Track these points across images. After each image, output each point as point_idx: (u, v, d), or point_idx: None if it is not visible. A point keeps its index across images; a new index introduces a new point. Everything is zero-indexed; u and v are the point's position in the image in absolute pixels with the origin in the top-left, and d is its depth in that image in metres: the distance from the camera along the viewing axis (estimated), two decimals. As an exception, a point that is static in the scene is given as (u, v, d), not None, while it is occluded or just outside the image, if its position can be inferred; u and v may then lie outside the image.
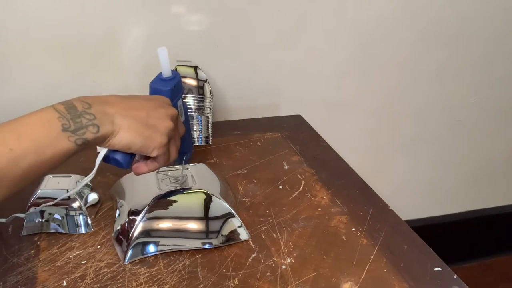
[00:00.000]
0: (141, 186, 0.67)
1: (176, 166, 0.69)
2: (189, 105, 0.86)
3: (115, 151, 0.50)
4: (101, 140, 0.47)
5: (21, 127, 0.43)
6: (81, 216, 0.64)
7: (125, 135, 0.48)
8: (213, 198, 0.64)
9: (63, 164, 0.46)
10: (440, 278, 0.58)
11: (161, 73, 0.56)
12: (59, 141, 0.44)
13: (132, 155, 0.52)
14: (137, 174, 0.55)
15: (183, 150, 0.61)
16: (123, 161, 0.51)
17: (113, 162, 0.51)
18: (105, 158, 0.51)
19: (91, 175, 0.52)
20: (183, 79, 0.86)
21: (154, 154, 0.51)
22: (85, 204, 0.65)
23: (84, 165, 0.72)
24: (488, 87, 1.25)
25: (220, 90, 1.01)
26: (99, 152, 0.51)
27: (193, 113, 0.86)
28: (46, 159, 0.43)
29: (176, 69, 0.87)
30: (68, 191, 0.62)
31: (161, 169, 0.67)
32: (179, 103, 0.59)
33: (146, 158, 0.54)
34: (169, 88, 0.55)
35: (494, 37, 1.17)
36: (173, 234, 0.61)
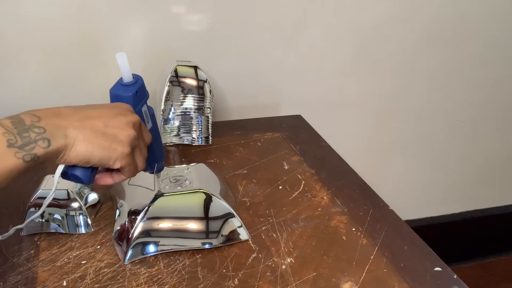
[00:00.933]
0: (141, 186, 0.67)
1: (176, 166, 0.70)
2: (189, 105, 0.86)
3: (74, 166, 0.46)
4: (54, 155, 0.43)
5: None
6: (81, 216, 0.64)
7: (82, 148, 0.44)
8: (213, 198, 0.64)
9: (12, 183, 0.42)
10: (440, 278, 0.58)
11: (121, 78, 0.53)
12: (5, 158, 0.40)
13: (93, 169, 0.48)
14: (101, 185, 0.51)
15: (154, 158, 0.58)
16: (83, 177, 0.47)
17: (73, 178, 0.47)
18: (64, 175, 0.47)
19: (52, 193, 0.49)
20: (183, 79, 0.86)
21: (117, 166, 0.48)
22: (85, 204, 0.65)
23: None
24: (488, 87, 1.25)
25: (220, 90, 1.01)
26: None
27: (193, 113, 0.86)
28: None
29: (176, 70, 0.87)
30: (68, 191, 0.63)
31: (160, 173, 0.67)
32: (144, 109, 0.55)
33: (111, 170, 0.50)
34: (130, 94, 0.52)
35: (494, 37, 1.17)
36: (173, 234, 0.61)
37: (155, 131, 0.57)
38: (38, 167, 0.43)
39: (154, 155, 0.58)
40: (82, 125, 0.45)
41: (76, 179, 0.47)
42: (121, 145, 0.47)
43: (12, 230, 0.51)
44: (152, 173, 0.60)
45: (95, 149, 0.45)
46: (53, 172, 0.47)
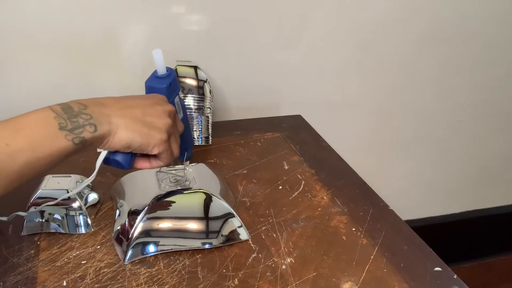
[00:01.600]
0: (141, 186, 0.67)
1: (177, 166, 0.70)
2: (189, 105, 0.86)
3: (115, 152, 0.50)
4: (99, 140, 0.47)
5: (17, 125, 0.43)
6: (81, 216, 0.64)
7: (124, 134, 0.48)
8: (213, 198, 0.64)
9: (62, 164, 0.46)
10: (440, 278, 0.58)
11: (156, 71, 0.56)
12: (57, 140, 0.44)
13: (132, 155, 0.51)
14: (138, 168, 0.54)
15: (183, 147, 0.61)
16: (123, 162, 0.50)
17: (114, 163, 0.51)
18: (106, 160, 0.51)
19: (92, 177, 0.52)
20: (183, 79, 0.86)
21: (155, 152, 0.51)
22: (85, 204, 0.65)
23: (84, 165, 0.72)
24: (488, 87, 1.25)
25: (220, 90, 1.01)
26: (99, 154, 0.51)
27: (193, 113, 0.86)
28: (43, 156, 0.43)
29: (176, 70, 0.87)
30: (68, 191, 0.62)
31: (161, 168, 0.67)
32: (176, 100, 0.58)
33: (148, 156, 0.54)
34: (165, 85, 0.55)
35: (494, 37, 1.17)
36: (173, 234, 0.61)
37: (185, 121, 0.61)
38: (84, 151, 0.47)
39: (184, 143, 0.60)
40: (123, 113, 0.49)
41: (117, 164, 0.51)
42: (159, 132, 0.51)
43: (12, 215, 0.54)
44: (182, 161, 0.64)
45: (135, 135, 0.49)
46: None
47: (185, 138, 0.60)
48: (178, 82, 0.59)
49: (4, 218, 0.57)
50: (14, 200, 0.65)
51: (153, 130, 0.50)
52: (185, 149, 0.63)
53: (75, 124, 0.45)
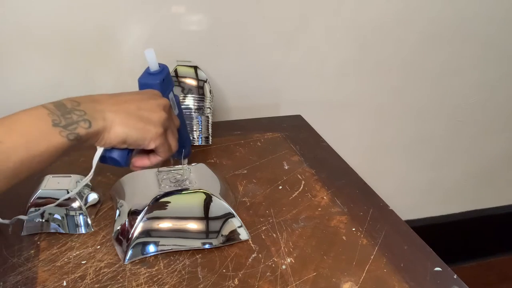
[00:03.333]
0: (141, 186, 0.67)
1: (177, 166, 0.69)
2: (189, 105, 0.86)
3: (111, 149, 0.50)
4: (94, 136, 0.47)
5: (10, 123, 0.43)
6: (81, 216, 0.64)
7: (119, 130, 0.48)
8: (213, 198, 0.64)
9: (60, 163, 0.46)
10: (440, 278, 0.58)
11: (148, 67, 0.56)
12: (51, 136, 0.44)
13: (129, 151, 0.51)
14: (137, 167, 0.54)
15: (181, 144, 0.61)
16: (120, 159, 0.50)
17: (111, 161, 0.50)
18: (102, 159, 0.50)
19: (89, 176, 0.52)
20: (183, 79, 0.86)
21: (151, 146, 0.51)
22: (85, 204, 0.65)
23: (84, 165, 0.72)
24: (488, 87, 1.25)
25: (220, 90, 1.01)
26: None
27: (193, 113, 0.86)
28: (38, 153, 0.43)
29: (176, 70, 0.87)
30: (68, 191, 0.62)
31: (161, 168, 0.67)
32: (171, 96, 0.58)
33: (147, 153, 0.54)
34: (158, 81, 0.55)
35: (494, 37, 1.17)
36: (173, 234, 0.61)
37: (181, 117, 0.61)
38: (79, 149, 0.47)
39: (181, 140, 0.60)
40: (118, 109, 0.49)
41: (113, 161, 0.50)
42: (154, 126, 0.50)
43: (13, 219, 0.54)
44: (180, 159, 0.64)
45: (131, 130, 0.49)
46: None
47: (182, 135, 0.60)
48: (171, 78, 0.59)
49: (6, 221, 0.57)
50: (15, 200, 0.65)
51: (148, 124, 0.50)
52: (182, 146, 0.62)
53: (69, 120, 0.45)
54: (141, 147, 0.51)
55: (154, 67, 0.56)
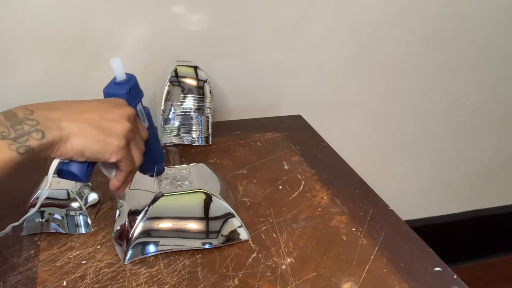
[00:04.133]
0: (141, 186, 0.67)
1: (177, 166, 0.69)
2: (189, 105, 0.86)
3: (69, 162, 0.46)
4: (49, 147, 0.43)
5: None
6: (81, 216, 0.64)
7: (77, 141, 0.44)
8: (213, 198, 0.64)
9: (9, 177, 0.41)
10: (440, 278, 0.58)
11: (115, 77, 0.53)
12: None
13: (88, 165, 0.47)
14: (114, 190, 0.51)
15: (153, 159, 0.58)
16: (79, 173, 0.46)
17: (69, 175, 0.47)
18: (59, 172, 0.47)
19: (46, 190, 0.49)
20: (183, 79, 0.86)
21: (113, 160, 0.47)
22: (85, 204, 0.65)
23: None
24: (487, 87, 1.25)
25: (220, 90, 1.01)
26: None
27: (193, 113, 0.86)
28: None
29: (176, 70, 0.87)
30: (68, 191, 0.62)
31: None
32: (139, 107, 0.55)
33: (111, 168, 0.50)
34: (124, 91, 0.52)
35: (493, 37, 1.17)
36: (173, 234, 0.61)
37: (151, 130, 0.57)
38: (38, 164, 0.43)
39: (153, 155, 0.57)
40: (77, 117, 0.45)
41: (71, 176, 0.46)
42: (116, 138, 0.46)
43: (8, 228, 0.51)
44: (152, 175, 0.60)
45: (90, 142, 0.45)
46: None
47: (153, 149, 0.57)
48: (139, 88, 0.55)
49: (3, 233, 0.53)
50: (15, 200, 0.65)
51: (109, 136, 0.46)
52: (154, 162, 0.59)
53: (19, 132, 0.41)
54: (101, 160, 0.47)
55: (121, 77, 0.53)
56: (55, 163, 0.45)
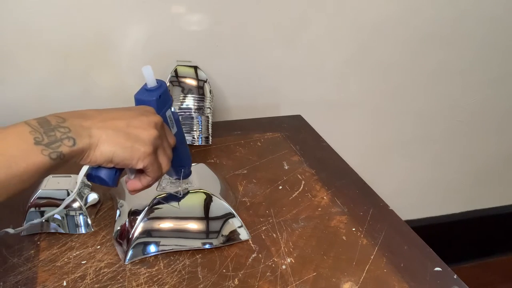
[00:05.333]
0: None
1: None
2: (189, 105, 0.86)
3: (98, 168, 0.47)
4: (79, 154, 0.44)
5: None
6: (81, 216, 0.64)
7: (105, 148, 0.45)
8: (213, 198, 0.64)
9: (38, 181, 0.43)
10: (440, 278, 0.59)
11: (146, 84, 0.54)
12: (32, 155, 0.41)
13: (116, 170, 0.49)
14: (131, 191, 0.52)
15: (180, 163, 0.59)
16: (107, 178, 0.48)
17: (97, 180, 0.48)
18: (89, 176, 0.48)
19: (73, 195, 0.51)
20: (183, 79, 0.86)
21: (140, 166, 0.48)
22: (85, 204, 0.65)
23: (84, 165, 0.72)
24: (487, 87, 1.25)
25: (220, 90, 1.01)
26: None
27: (193, 113, 0.86)
28: (18, 173, 0.40)
29: (176, 70, 0.87)
30: (68, 191, 0.62)
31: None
32: (168, 113, 0.56)
33: (138, 173, 0.51)
34: (154, 98, 0.53)
35: (493, 37, 1.17)
36: (174, 234, 0.61)
37: (180, 135, 0.58)
38: (64, 166, 0.44)
39: (180, 160, 0.58)
40: (105, 125, 0.46)
41: (100, 180, 0.48)
42: (143, 145, 0.48)
43: (2, 232, 0.52)
44: (179, 179, 0.61)
45: (118, 148, 0.46)
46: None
47: (181, 154, 0.58)
48: (169, 95, 0.57)
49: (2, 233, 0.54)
50: (14, 200, 0.65)
51: (137, 143, 0.47)
52: (181, 166, 0.61)
53: (52, 138, 0.42)
54: (128, 166, 0.48)
55: (152, 83, 0.54)
56: (84, 169, 0.47)
